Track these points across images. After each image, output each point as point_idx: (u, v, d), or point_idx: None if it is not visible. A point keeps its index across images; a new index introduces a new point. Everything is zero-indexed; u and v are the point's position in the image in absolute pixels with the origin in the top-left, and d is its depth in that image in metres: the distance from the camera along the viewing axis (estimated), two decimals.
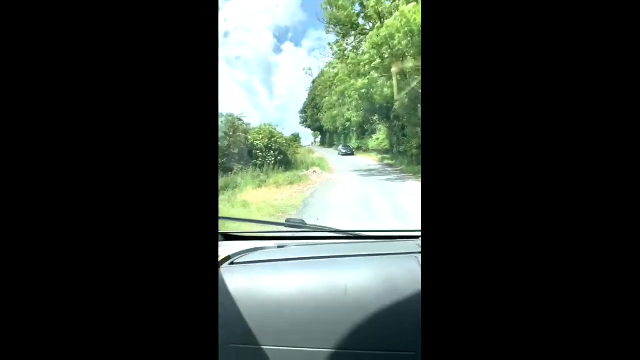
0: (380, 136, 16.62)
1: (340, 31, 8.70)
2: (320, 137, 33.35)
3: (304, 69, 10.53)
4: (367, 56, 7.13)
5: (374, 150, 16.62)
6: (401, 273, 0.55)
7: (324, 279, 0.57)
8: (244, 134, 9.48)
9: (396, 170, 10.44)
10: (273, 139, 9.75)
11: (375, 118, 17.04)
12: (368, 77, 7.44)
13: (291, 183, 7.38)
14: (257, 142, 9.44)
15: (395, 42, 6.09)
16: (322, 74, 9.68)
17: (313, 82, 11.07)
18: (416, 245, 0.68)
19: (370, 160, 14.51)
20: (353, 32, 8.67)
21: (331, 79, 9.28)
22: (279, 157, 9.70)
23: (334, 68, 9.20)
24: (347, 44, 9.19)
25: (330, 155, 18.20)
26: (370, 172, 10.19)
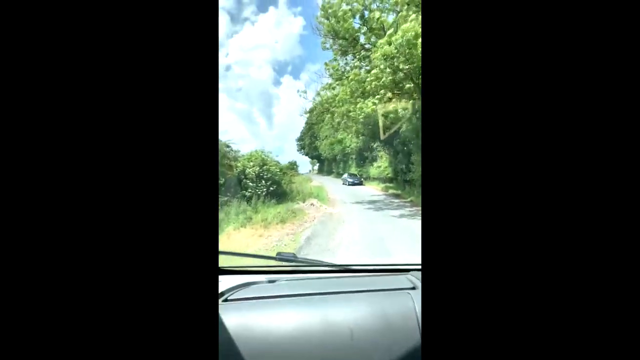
0: (382, 163, 15.57)
1: (339, 48, 7.84)
2: (318, 164, 32.64)
3: (297, 91, 9.34)
4: (374, 71, 6.12)
5: (375, 179, 15.47)
6: (396, 310, 0.55)
7: (319, 316, 0.57)
8: (232, 162, 8.31)
9: (405, 202, 9.17)
10: (265, 167, 8.57)
11: (376, 145, 16.18)
12: (378, 96, 6.36)
13: (282, 221, 6.03)
14: (248, 170, 8.24)
15: (413, 51, 5.07)
16: (318, 94, 8.65)
17: (310, 110, 9.64)
18: (408, 280, 0.68)
19: (373, 190, 13.23)
20: (352, 50, 7.81)
21: (330, 100, 8.23)
22: (271, 187, 8.46)
23: (333, 89, 8.20)
24: (346, 64, 8.32)
25: (330, 183, 17.01)
26: (375, 204, 8.91)
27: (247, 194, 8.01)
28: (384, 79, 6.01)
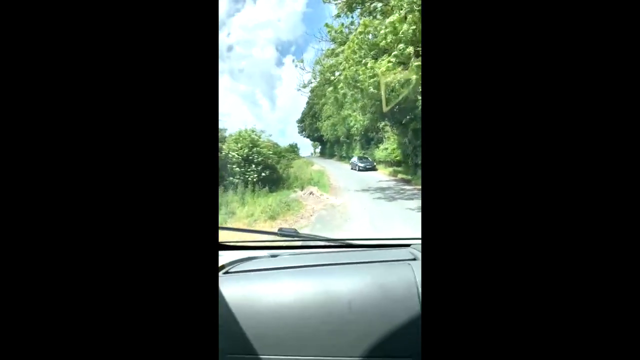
0: (389, 145, 14.15)
1: (344, 1, 6.29)
2: (320, 147, 31.20)
3: (293, 61, 7.62)
4: (392, 18, 4.55)
5: (381, 162, 14.11)
6: (396, 280, 0.55)
7: (319, 287, 0.57)
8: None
9: (415, 187, 7.91)
10: (255, 149, 7.27)
11: (382, 125, 14.67)
12: (395, 52, 4.81)
13: (272, 217, 4.80)
14: (232, 153, 6.94)
15: None
16: (318, 63, 7.14)
17: (308, 83, 7.96)
18: (409, 252, 0.68)
19: (380, 175, 11.94)
20: (361, 3, 6.25)
21: (332, 68, 6.72)
22: (263, 172, 7.20)
23: (336, 55, 6.66)
24: (351, 23, 6.77)
25: (332, 167, 15.68)
26: (385, 192, 7.66)
27: (235, 180, 6.76)
28: (405, 28, 4.48)
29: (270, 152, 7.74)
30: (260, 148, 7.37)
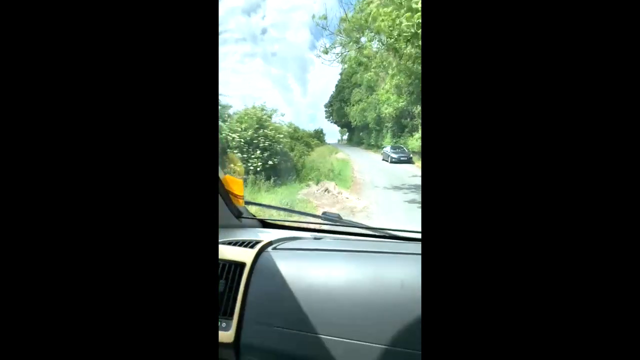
0: None
1: None
2: (347, 134, 29.41)
3: (312, 17, 5.82)
4: None
5: (415, 153, 12.23)
6: None
7: (369, 272, 0.56)
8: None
9: None
10: (262, 131, 5.93)
11: (418, 111, 12.67)
12: None
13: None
14: (232, 135, 5.66)
15: None
16: (345, 20, 5.46)
17: (336, 57, 6.24)
18: None
19: (415, 169, 10.15)
20: None
21: (363, 20, 5.01)
22: (270, 160, 5.88)
23: (368, 4, 4.96)
24: None
25: (358, 156, 14.01)
26: (419, 191, 6.06)
27: (236, 168, 5.52)
28: None
29: (281, 136, 6.35)
30: (268, 130, 6.01)
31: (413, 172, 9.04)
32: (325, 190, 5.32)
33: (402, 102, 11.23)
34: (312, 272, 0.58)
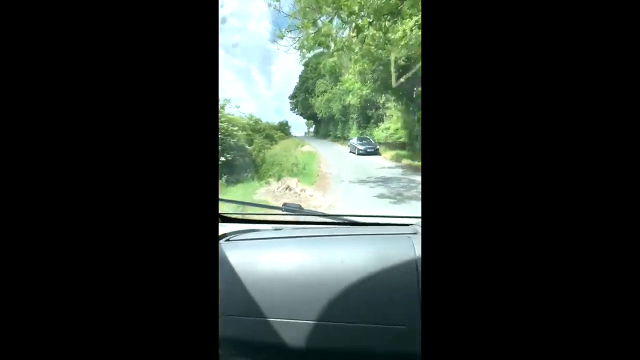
0: (390, 124, 12.06)
1: None
2: (314, 126, 28.83)
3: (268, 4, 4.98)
4: None
5: (381, 144, 12.06)
6: (395, 251, 0.55)
7: (320, 255, 0.57)
8: None
9: None
10: None
11: (383, 101, 12.48)
12: None
13: None
14: None
15: None
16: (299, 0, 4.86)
17: (293, 43, 5.55)
18: (410, 228, 0.67)
19: (382, 160, 9.93)
20: None
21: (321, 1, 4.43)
22: (222, 156, 5.19)
23: None
24: None
25: (325, 149, 13.58)
26: (388, 184, 5.77)
27: None
28: None
29: (236, 129, 5.65)
30: (220, 122, 5.28)
31: (380, 164, 8.79)
32: (286, 188, 4.78)
33: (366, 89, 10.89)
34: (262, 259, 0.57)
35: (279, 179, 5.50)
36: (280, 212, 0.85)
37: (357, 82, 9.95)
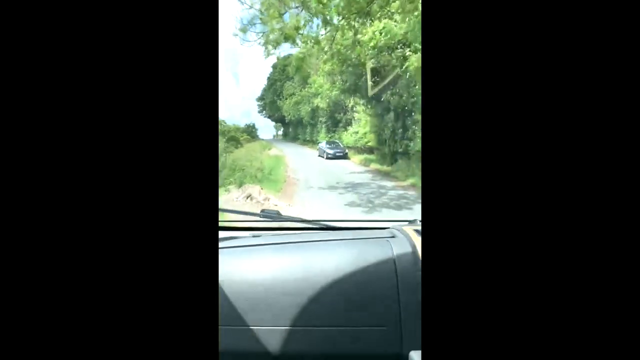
0: (359, 128, 11.97)
1: None
2: (282, 129, 28.21)
3: None
4: None
5: (350, 148, 11.93)
6: (374, 254, 0.56)
7: (299, 261, 0.57)
8: None
9: (402, 185, 5.87)
10: None
11: (352, 104, 12.38)
12: None
13: None
14: None
15: None
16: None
17: (258, 36, 5.07)
18: (388, 232, 0.67)
19: (350, 164, 9.73)
20: None
21: None
22: None
23: None
24: None
25: (293, 152, 13.14)
26: (358, 189, 5.51)
27: None
28: None
29: None
30: None
31: (349, 169, 8.58)
32: (247, 197, 4.29)
33: (335, 90, 10.68)
34: (243, 267, 0.57)
35: (240, 186, 4.98)
36: (258, 218, 0.83)
37: (326, 83, 9.69)
